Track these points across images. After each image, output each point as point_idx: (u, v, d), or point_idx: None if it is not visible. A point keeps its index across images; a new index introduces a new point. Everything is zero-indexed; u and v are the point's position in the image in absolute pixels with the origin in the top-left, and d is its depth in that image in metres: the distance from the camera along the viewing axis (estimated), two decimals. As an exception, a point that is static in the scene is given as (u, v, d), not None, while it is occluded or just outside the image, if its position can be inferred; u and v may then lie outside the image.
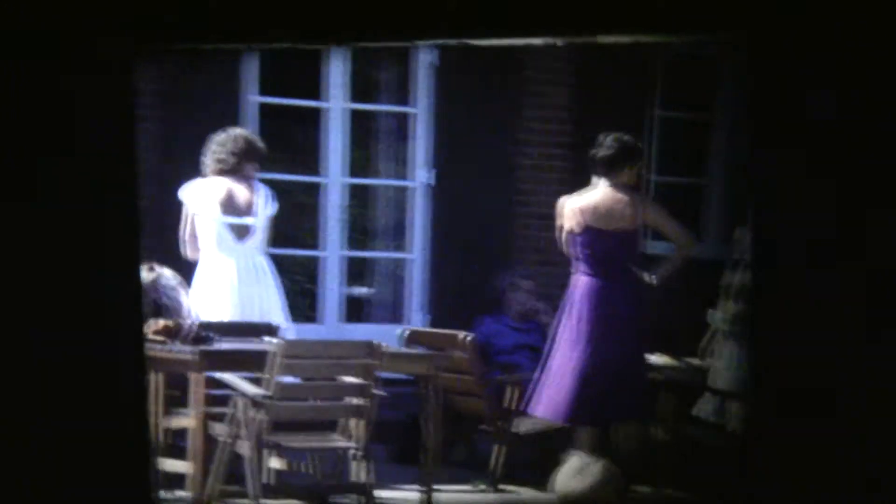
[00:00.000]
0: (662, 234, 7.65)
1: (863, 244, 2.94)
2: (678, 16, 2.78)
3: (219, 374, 6.87)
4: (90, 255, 3.22)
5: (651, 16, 2.77)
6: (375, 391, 6.73)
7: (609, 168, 7.53)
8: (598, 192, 7.56)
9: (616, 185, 7.52)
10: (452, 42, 2.97)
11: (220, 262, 7.54)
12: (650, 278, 7.53)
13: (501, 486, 7.72)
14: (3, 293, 3.19)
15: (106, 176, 3.20)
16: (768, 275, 2.98)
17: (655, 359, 7.87)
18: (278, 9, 2.97)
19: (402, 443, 8.12)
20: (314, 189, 9.15)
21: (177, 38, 3.18)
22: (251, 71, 8.87)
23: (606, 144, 7.57)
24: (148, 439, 3.37)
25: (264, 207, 7.64)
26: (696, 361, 7.85)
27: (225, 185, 7.60)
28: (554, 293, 8.17)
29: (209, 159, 7.64)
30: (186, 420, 6.93)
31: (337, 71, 9.13)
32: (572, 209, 7.57)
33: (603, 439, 8.02)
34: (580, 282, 7.56)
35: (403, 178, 9.45)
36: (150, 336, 6.71)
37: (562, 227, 7.64)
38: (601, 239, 7.49)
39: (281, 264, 8.11)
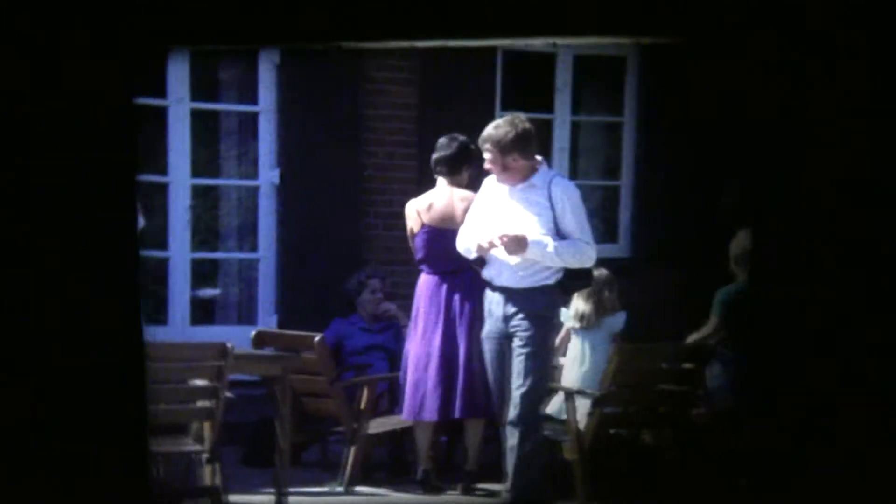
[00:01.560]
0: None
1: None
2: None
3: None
4: (88, 256, 3.16)
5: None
6: (224, 394, 6.63)
7: (449, 169, 7.66)
8: (439, 191, 7.68)
9: (455, 185, 7.65)
10: (452, 43, 2.97)
11: None
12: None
13: (355, 488, 7.69)
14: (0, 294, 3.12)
15: (105, 176, 3.13)
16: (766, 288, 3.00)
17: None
18: (278, 9, 2.93)
19: (254, 445, 8.04)
20: (159, 189, 8.99)
21: (179, 39, 3.13)
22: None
23: (445, 146, 7.70)
24: (147, 439, 3.33)
25: None
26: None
27: None
28: (405, 293, 8.20)
29: None
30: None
31: (179, 70, 8.99)
32: (415, 210, 7.70)
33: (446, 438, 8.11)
34: (425, 281, 7.64)
35: (249, 177, 9.35)
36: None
37: (410, 229, 7.75)
38: (442, 238, 7.57)
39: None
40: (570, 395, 7.51)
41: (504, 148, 6.97)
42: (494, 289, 7.11)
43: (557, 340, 7.87)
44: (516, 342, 7.00)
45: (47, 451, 3.12)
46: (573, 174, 10.19)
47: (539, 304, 7.02)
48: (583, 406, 7.53)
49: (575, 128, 10.21)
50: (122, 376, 3.08)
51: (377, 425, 7.88)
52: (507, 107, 9.97)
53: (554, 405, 7.72)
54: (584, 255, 7.06)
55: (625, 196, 10.17)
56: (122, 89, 2.97)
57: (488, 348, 7.18)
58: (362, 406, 7.76)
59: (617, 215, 10.23)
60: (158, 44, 3.11)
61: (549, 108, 10.09)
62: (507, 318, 7.04)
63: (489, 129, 7.04)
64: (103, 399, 3.10)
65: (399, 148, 9.56)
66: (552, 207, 7.00)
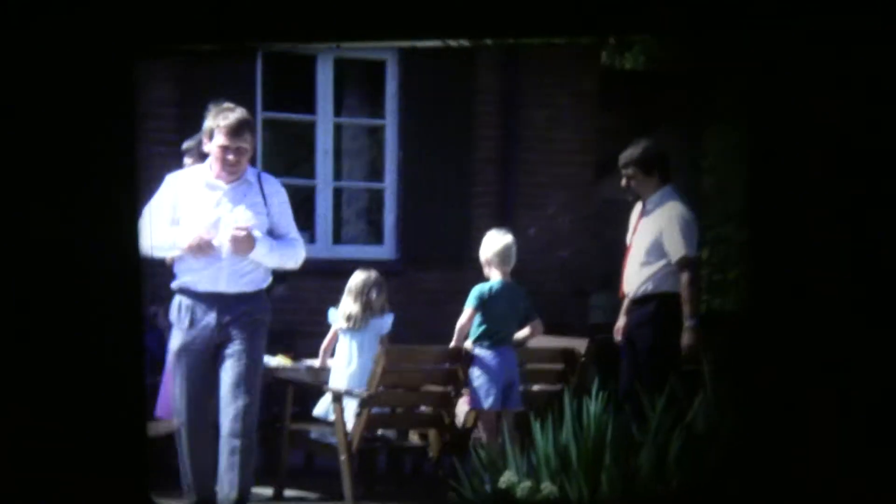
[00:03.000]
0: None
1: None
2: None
3: None
4: (91, 254, 3.06)
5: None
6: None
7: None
8: None
9: None
10: (453, 43, 2.96)
11: None
12: None
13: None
14: (2, 293, 2.99)
15: (106, 176, 3.04)
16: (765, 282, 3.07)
17: (273, 361, 7.88)
18: (275, 8, 2.89)
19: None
20: None
21: (177, 38, 3.06)
22: None
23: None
24: (147, 438, 3.24)
25: None
26: (316, 362, 7.93)
27: None
28: (168, 295, 8.04)
29: None
30: None
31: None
32: None
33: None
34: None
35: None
36: None
37: None
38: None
39: None
40: (338, 396, 7.52)
41: (238, 133, 6.39)
42: (199, 295, 6.49)
43: (325, 341, 7.88)
44: (232, 351, 6.45)
45: (48, 450, 3.05)
46: (337, 176, 10.20)
47: (256, 308, 6.53)
48: (351, 407, 7.55)
49: (337, 130, 10.22)
50: (122, 376, 3.02)
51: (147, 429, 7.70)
52: (269, 107, 9.91)
53: (321, 406, 7.72)
54: (300, 255, 6.70)
55: (389, 198, 10.22)
56: (124, 88, 2.92)
57: (190, 361, 6.48)
58: (124, 410, 7.58)
59: (382, 218, 10.28)
60: (153, 43, 3.07)
61: (311, 109, 10.06)
62: (220, 327, 6.46)
63: (221, 114, 6.41)
64: (103, 399, 3.04)
65: (158, 147, 9.38)
66: (265, 205, 6.55)
